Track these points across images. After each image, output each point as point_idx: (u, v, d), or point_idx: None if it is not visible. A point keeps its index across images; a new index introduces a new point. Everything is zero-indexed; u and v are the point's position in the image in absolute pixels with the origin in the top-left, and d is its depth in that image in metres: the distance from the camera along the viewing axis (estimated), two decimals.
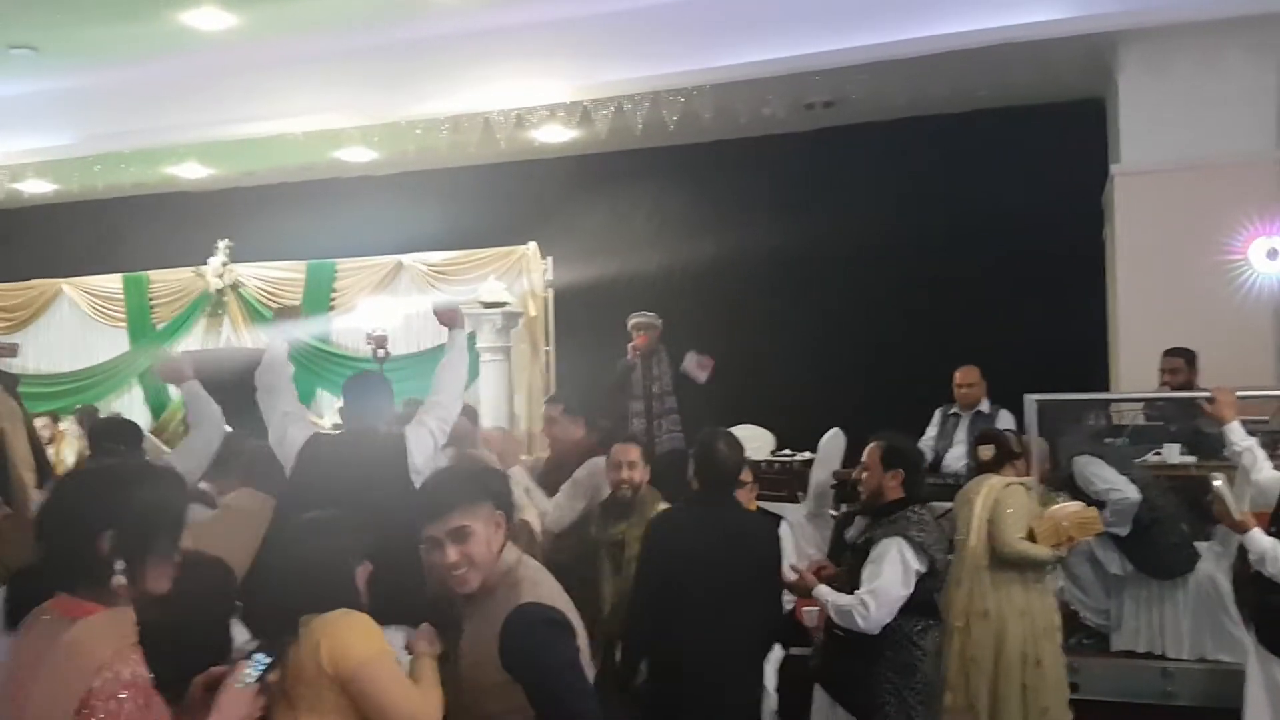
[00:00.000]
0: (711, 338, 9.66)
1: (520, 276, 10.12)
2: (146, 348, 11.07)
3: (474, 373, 9.96)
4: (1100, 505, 5.01)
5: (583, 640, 2.60)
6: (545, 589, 2.56)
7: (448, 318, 4.25)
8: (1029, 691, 4.33)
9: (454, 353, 4.16)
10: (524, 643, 2.42)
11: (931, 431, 7.18)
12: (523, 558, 2.65)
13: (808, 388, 8.87)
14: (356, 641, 2.48)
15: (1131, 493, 5.10)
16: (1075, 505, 4.73)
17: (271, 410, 4.00)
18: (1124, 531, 5.13)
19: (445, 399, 4.00)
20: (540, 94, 8.52)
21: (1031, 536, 4.46)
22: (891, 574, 3.65)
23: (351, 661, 2.44)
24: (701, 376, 6.95)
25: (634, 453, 4.47)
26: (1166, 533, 5.14)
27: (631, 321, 7.30)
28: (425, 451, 3.80)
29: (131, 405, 11.05)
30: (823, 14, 7.75)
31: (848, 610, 3.66)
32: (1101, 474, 5.19)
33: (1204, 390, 5.08)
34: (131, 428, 4.70)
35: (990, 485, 4.59)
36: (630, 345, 7.21)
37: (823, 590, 3.82)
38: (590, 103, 8.47)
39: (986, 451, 4.76)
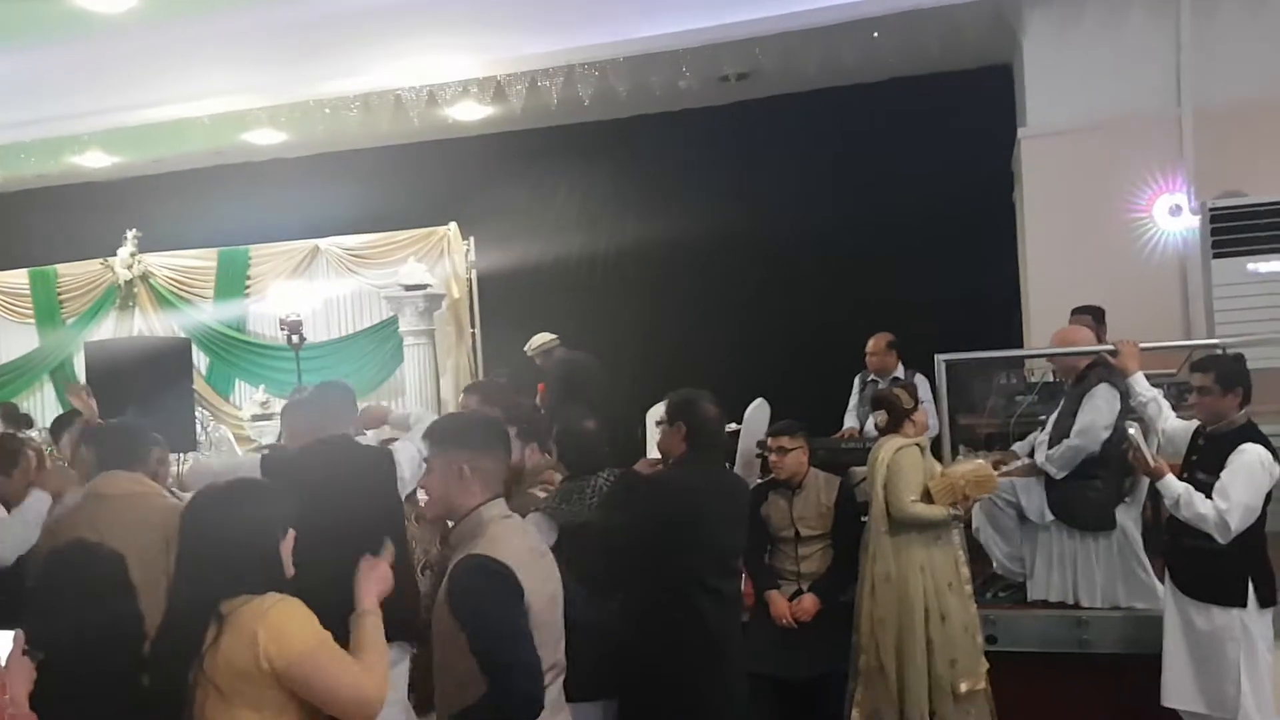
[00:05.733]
0: (636, 313, 9.74)
1: (442, 258, 10.00)
2: (56, 343, 10.78)
3: (399, 358, 9.90)
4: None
5: (545, 601, 2.63)
6: (504, 545, 2.60)
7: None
8: (934, 645, 4.42)
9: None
10: (457, 588, 2.54)
11: (853, 400, 7.24)
12: (508, 518, 2.74)
13: (732, 360, 8.90)
14: (295, 633, 2.39)
15: (1092, 444, 4.92)
16: (972, 464, 4.72)
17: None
18: (1059, 475, 5.00)
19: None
20: (452, 69, 8.35)
21: (928, 495, 4.52)
22: None
23: (292, 654, 2.35)
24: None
25: None
26: (1093, 486, 5.03)
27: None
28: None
29: (44, 402, 10.74)
30: None
31: None
32: (1097, 406, 4.91)
33: (1110, 344, 5.17)
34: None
35: (885, 449, 4.63)
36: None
37: None
38: (504, 78, 8.35)
39: (879, 418, 4.83)
